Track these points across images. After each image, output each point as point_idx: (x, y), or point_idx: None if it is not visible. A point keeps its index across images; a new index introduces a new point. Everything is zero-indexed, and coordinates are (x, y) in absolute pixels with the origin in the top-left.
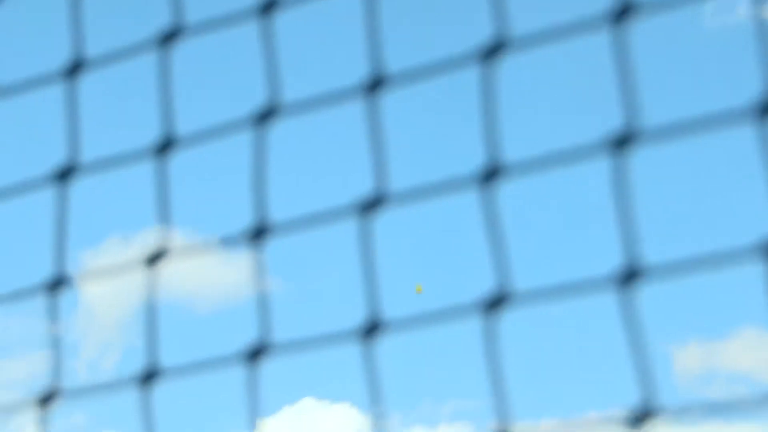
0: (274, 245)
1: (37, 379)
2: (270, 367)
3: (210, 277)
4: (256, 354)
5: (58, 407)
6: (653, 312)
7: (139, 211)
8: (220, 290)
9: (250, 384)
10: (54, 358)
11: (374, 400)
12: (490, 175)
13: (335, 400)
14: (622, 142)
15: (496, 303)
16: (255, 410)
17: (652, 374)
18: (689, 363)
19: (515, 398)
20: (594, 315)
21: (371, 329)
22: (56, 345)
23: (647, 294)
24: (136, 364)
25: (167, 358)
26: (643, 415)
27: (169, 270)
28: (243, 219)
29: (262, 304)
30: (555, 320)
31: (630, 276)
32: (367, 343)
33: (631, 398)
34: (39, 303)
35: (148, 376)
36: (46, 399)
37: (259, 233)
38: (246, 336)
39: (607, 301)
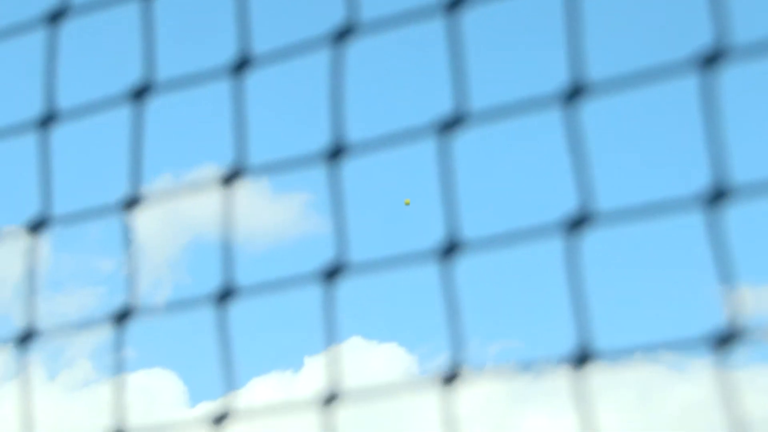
0: (350, 167)
1: (88, 315)
2: (319, 303)
3: (259, 216)
4: (333, 273)
5: (132, 324)
6: (704, 255)
7: (192, 148)
8: (269, 229)
9: (327, 305)
10: (130, 273)
11: (453, 323)
12: (574, 93)
13: (383, 339)
14: (711, 59)
15: (579, 223)
16: (331, 333)
17: (737, 293)
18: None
19: (555, 330)
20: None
21: (450, 249)
22: (132, 260)
23: (700, 238)
24: (185, 300)
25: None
26: (728, 337)
27: (217, 208)
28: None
29: (338, 222)
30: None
31: (718, 196)
32: (445, 263)
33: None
34: (92, 238)
35: (224, 295)
36: (122, 316)
37: (336, 153)
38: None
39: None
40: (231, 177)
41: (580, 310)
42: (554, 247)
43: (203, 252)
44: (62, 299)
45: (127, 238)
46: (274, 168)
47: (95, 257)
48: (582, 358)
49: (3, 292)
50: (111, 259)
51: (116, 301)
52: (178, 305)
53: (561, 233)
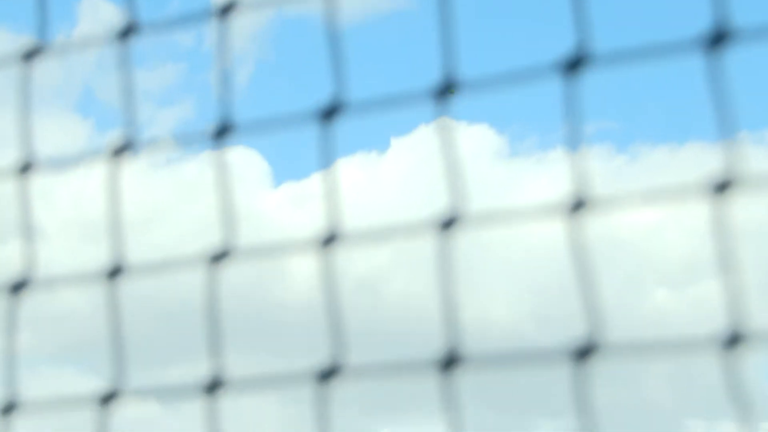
0: None
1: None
2: (416, 77)
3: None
4: None
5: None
6: None
7: None
8: (355, 7)
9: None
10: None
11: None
12: None
13: (473, 120)
14: None
15: None
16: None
17: None
18: None
19: None
20: None
21: None
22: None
23: None
24: (269, 78)
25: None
26: None
27: None
28: None
29: None
30: None
31: None
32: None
33: None
34: (172, 10)
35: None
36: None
37: None
38: None
39: None
40: None
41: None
42: None
43: (288, 28)
44: (142, 75)
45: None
46: None
47: (175, 32)
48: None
49: (85, 66)
50: (192, 33)
51: (198, 79)
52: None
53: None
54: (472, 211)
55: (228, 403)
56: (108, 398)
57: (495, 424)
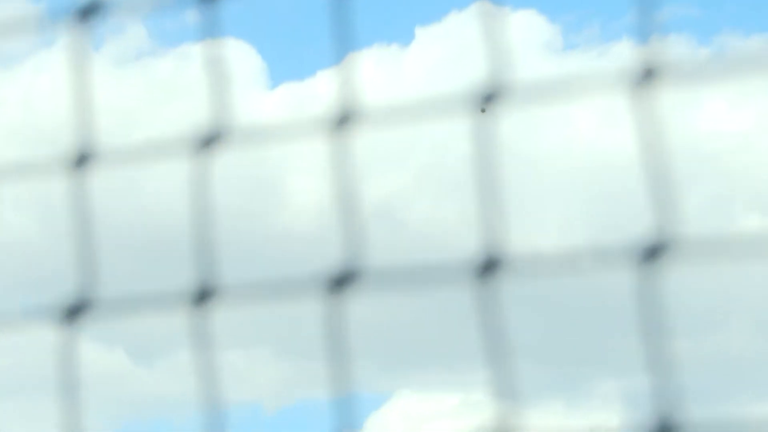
0: None
1: None
2: None
3: None
4: None
5: None
6: None
7: None
8: None
9: None
10: None
11: None
12: None
13: (518, 5)
14: None
15: None
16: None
17: None
18: None
19: None
20: None
21: None
22: None
23: None
24: None
25: None
26: None
27: None
28: None
29: None
30: None
31: None
32: None
33: None
34: None
35: None
36: None
37: None
38: None
39: None
40: None
41: None
42: None
43: None
44: None
45: None
46: None
47: None
48: None
49: None
50: None
51: None
52: None
53: None
54: (518, 85)
55: (219, 355)
56: (75, 311)
57: (544, 380)
